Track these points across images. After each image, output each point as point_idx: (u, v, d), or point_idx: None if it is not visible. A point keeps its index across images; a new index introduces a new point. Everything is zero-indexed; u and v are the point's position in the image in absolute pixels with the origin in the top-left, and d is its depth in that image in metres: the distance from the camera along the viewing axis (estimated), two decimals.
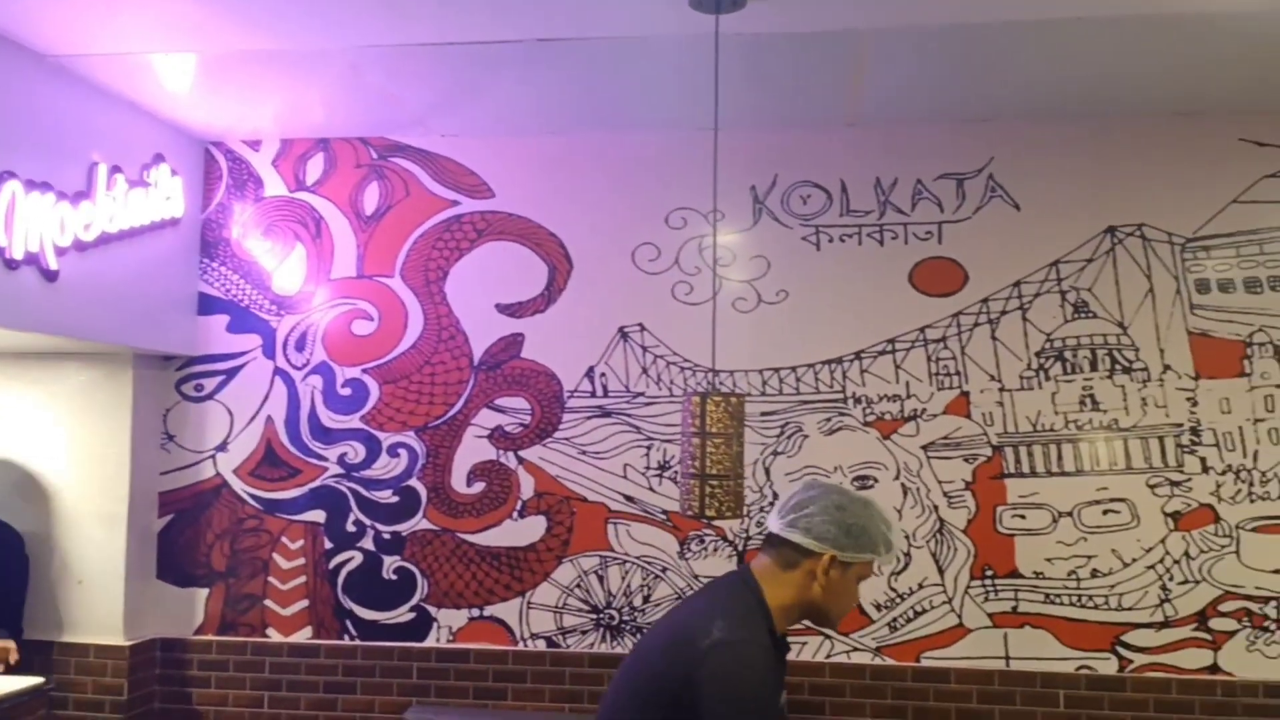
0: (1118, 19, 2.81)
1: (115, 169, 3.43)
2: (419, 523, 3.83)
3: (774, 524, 2.32)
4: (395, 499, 3.85)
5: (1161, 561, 3.51)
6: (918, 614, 3.61)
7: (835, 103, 3.53)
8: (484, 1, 2.76)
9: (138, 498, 3.83)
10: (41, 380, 3.82)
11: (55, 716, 3.72)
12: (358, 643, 3.83)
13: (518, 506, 3.80)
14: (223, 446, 3.94)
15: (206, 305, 3.98)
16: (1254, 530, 3.48)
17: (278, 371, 3.93)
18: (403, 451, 3.85)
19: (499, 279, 3.85)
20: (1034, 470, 3.59)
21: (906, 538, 3.62)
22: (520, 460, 3.81)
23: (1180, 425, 3.53)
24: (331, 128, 3.89)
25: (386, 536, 3.84)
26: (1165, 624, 3.50)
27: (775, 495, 3.64)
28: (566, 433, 3.79)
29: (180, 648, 3.90)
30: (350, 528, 3.86)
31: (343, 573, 3.85)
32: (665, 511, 3.73)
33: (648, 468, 3.75)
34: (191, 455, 3.95)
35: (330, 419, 3.89)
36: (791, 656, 3.57)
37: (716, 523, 3.67)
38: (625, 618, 3.74)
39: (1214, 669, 3.47)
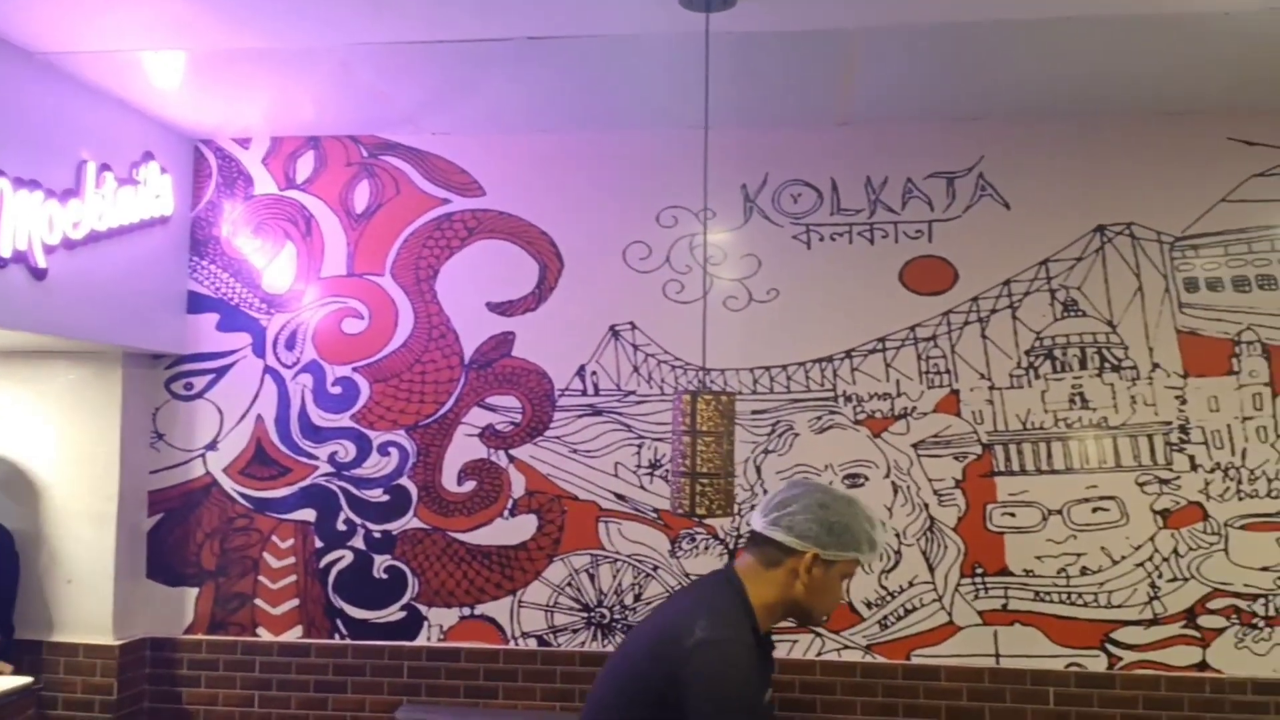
0: (1107, 18, 2.82)
1: (104, 167, 3.42)
2: (410, 521, 3.82)
3: (757, 522, 2.32)
4: (386, 498, 3.84)
5: (1150, 559, 3.53)
6: (908, 612, 3.62)
7: (826, 101, 3.53)
8: None
9: (127, 496, 3.82)
10: (30, 379, 3.80)
11: (44, 716, 3.71)
12: (348, 642, 3.82)
13: (509, 505, 3.79)
14: (212, 445, 3.93)
15: (196, 304, 3.97)
16: (1242, 528, 3.50)
17: (268, 370, 3.92)
18: (393, 450, 3.84)
19: (490, 277, 3.85)
20: (1024, 468, 3.60)
21: (897, 535, 3.63)
22: (511, 459, 3.80)
23: (1169, 423, 3.55)
24: (322, 126, 3.88)
25: (377, 535, 3.84)
26: (1154, 621, 3.51)
27: (766, 493, 3.64)
28: (557, 431, 3.79)
29: (170, 647, 3.89)
30: (341, 526, 3.85)
31: (333, 572, 3.85)
32: (656, 510, 3.73)
33: (639, 466, 3.76)
34: (181, 454, 3.94)
35: (320, 418, 3.89)
36: (783, 654, 3.61)
37: (707, 521, 3.67)
38: (616, 616, 3.74)
39: (1203, 666, 3.48)
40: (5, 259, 2.99)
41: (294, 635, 3.85)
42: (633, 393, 3.77)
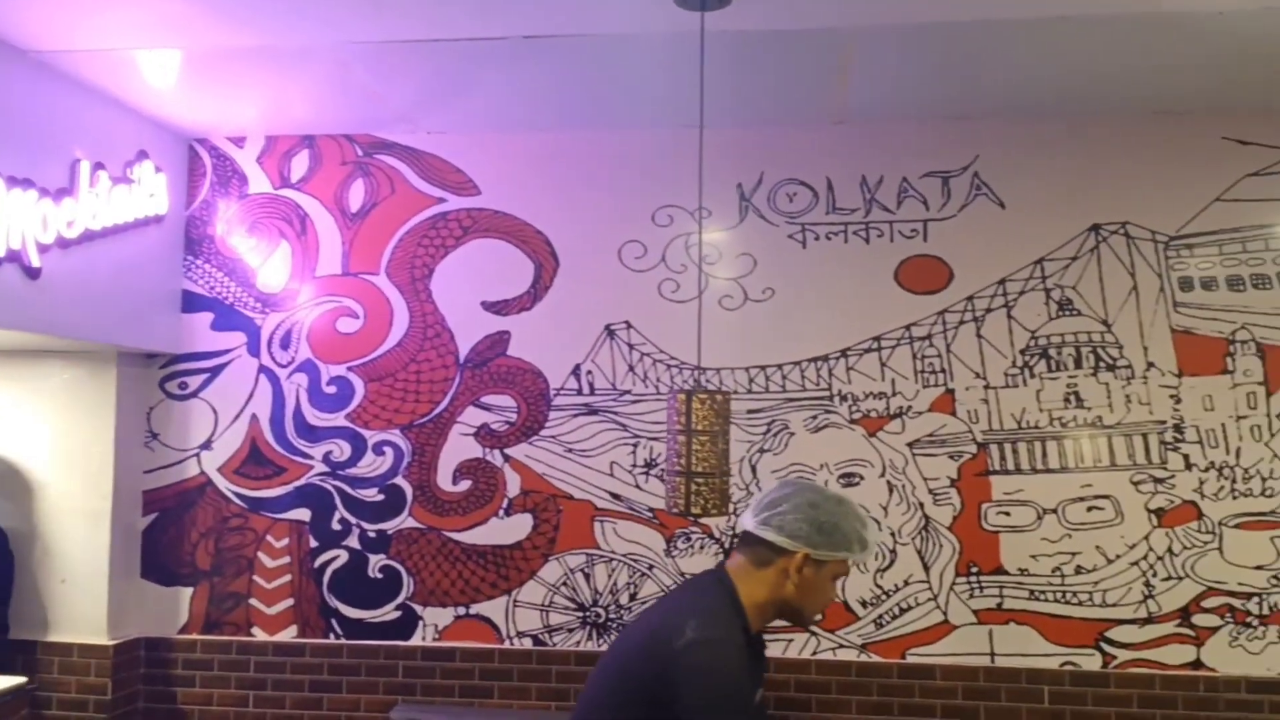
0: (1102, 18, 2.82)
1: (98, 166, 3.41)
2: (405, 521, 3.82)
3: (748, 522, 2.32)
4: (381, 497, 3.84)
5: (1145, 558, 3.53)
6: (903, 611, 3.62)
7: (821, 101, 3.53)
8: None
9: (121, 496, 3.81)
10: (24, 378, 3.79)
11: (38, 716, 3.70)
12: (343, 641, 3.82)
13: (504, 504, 3.79)
14: (207, 445, 3.92)
15: (190, 303, 3.96)
16: (1236, 527, 3.51)
17: (262, 369, 3.91)
18: (388, 449, 3.84)
19: (485, 276, 3.85)
20: (1019, 467, 3.60)
21: (892, 534, 3.63)
22: (506, 458, 3.80)
23: (1163, 422, 3.55)
24: (317, 124, 3.87)
25: (372, 535, 3.83)
26: (1149, 620, 3.52)
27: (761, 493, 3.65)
28: (553, 431, 3.79)
29: (164, 647, 3.88)
30: (335, 526, 3.85)
31: (328, 571, 3.84)
32: (652, 509, 3.73)
33: (634, 465, 3.75)
34: (175, 453, 3.93)
35: (315, 417, 3.88)
36: (778, 653, 3.62)
37: (703, 520, 3.67)
38: (611, 615, 3.73)
39: (1197, 665, 3.49)
40: None
41: (289, 635, 3.84)
42: (628, 392, 3.77)
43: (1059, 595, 3.56)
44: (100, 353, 3.76)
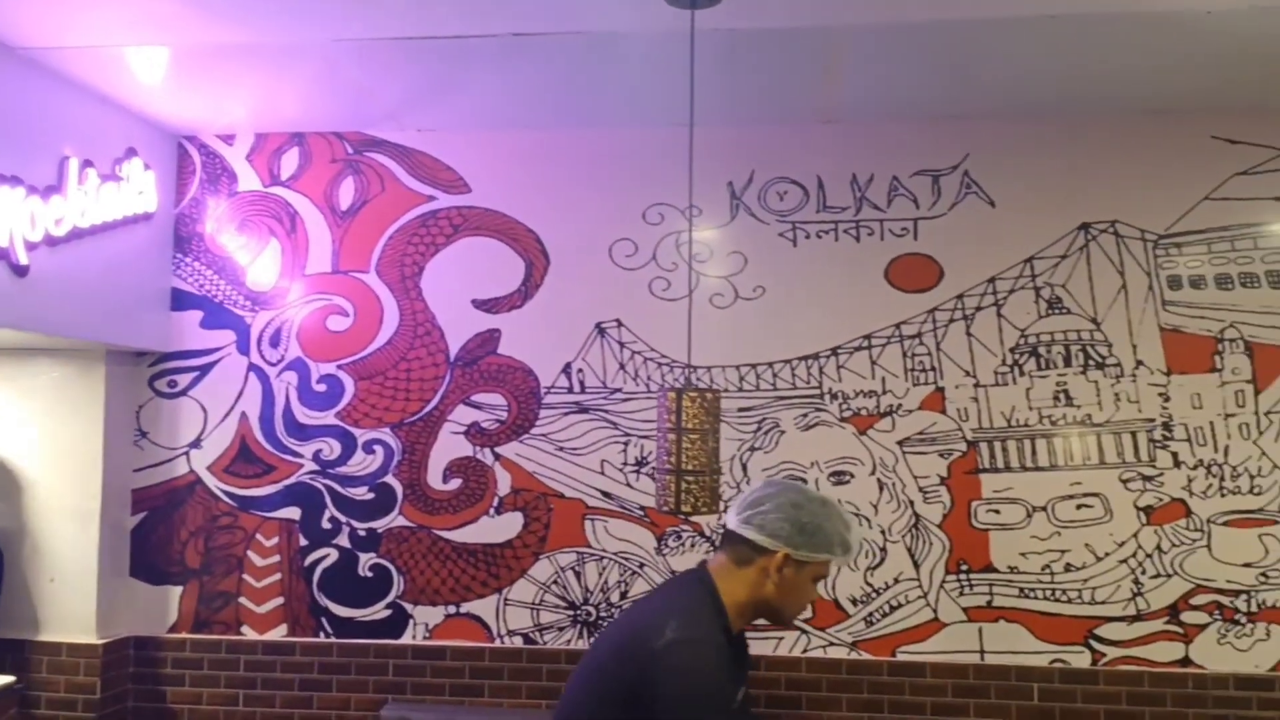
0: (1091, 17, 2.83)
1: (87, 163, 3.40)
2: (395, 519, 3.81)
3: (730, 520, 2.32)
4: (371, 496, 3.83)
5: (1134, 555, 3.54)
6: (893, 608, 3.63)
7: (812, 99, 3.54)
8: None
9: (110, 495, 3.80)
10: (12, 376, 3.78)
11: (27, 715, 3.69)
12: (333, 640, 3.81)
13: (494, 503, 3.79)
14: (196, 443, 3.91)
15: (180, 301, 3.95)
16: (1225, 524, 3.52)
17: (252, 368, 3.90)
18: (378, 448, 3.83)
19: (475, 274, 3.84)
20: (1008, 465, 3.61)
21: (882, 532, 3.64)
22: (497, 457, 3.80)
23: (1152, 420, 3.57)
24: (306, 122, 3.86)
25: (362, 533, 3.83)
26: (1137, 617, 3.53)
27: None
28: (543, 429, 3.79)
29: (154, 646, 3.87)
30: (325, 524, 3.84)
31: (318, 570, 3.84)
32: (643, 507, 3.73)
33: (625, 464, 3.75)
34: (165, 452, 3.92)
35: (305, 415, 3.87)
36: (768, 651, 3.62)
37: (693, 518, 3.68)
38: (602, 614, 3.73)
39: (1185, 662, 3.50)
40: None
41: (279, 634, 3.83)
42: (619, 390, 3.77)
43: (1048, 593, 3.57)
44: (89, 351, 3.75)
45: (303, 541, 3.85)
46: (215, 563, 3.88)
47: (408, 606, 3.80)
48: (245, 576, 3.86)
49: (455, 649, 3.76)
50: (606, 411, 3.77)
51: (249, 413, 3.89)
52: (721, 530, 3.63)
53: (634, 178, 3.80)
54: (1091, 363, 3.59)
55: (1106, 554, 3.55)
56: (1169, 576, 3.53)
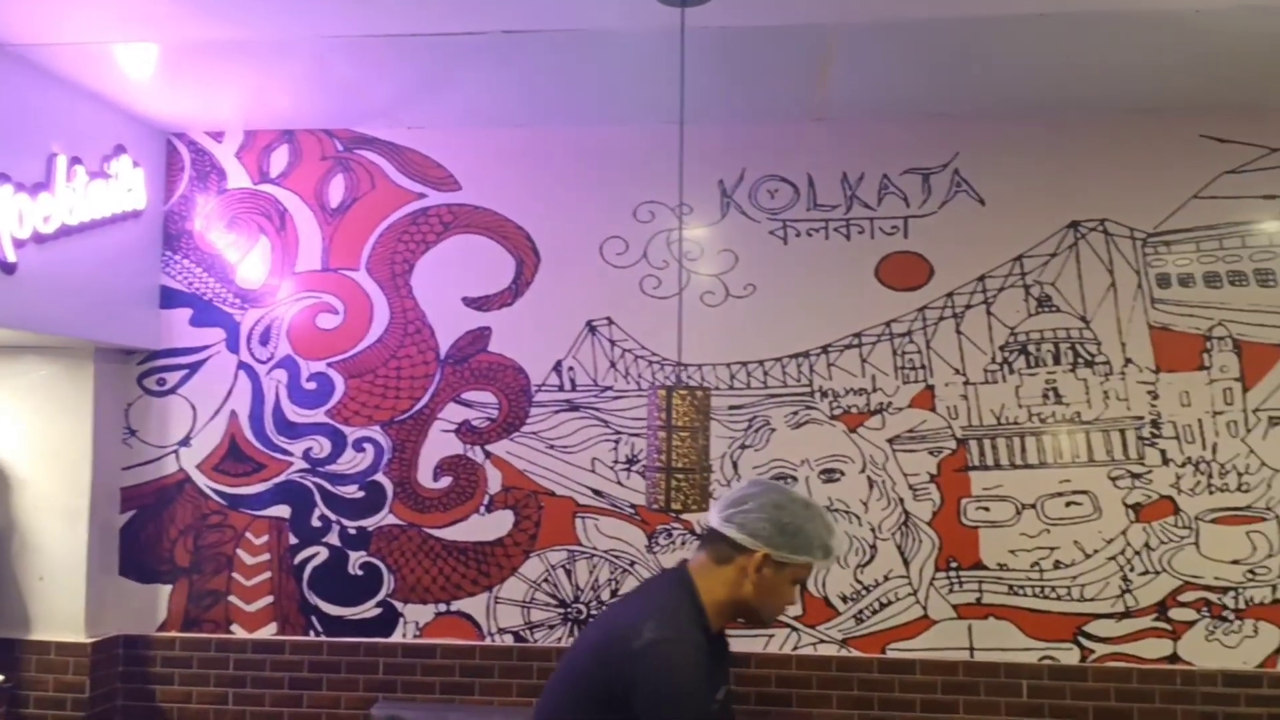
0: (1080, 15, 2.84)
1: (75, 160, 3.39)
2: (385, 518, 3.81)
3: (712, 518, 2.32)
4: (361, 494, 3.83)
5: (1123, 553, 3.56)
6: (883, 606, 3.64)
7: (802, 97, 3.54)
8: None
9: (99, 493, 3.79)
10: (0, 375, 3.76)
11: (16, 715, 3.67)
12: (323, 638, 3.80)
13: (485, 501, 3.79)
14: (185, 441, 3.90)
15: (169, 298, 3.94)
16: (1213, 521, 3.53)
17: (241, 365, 3.89)
18: (368, 446, 3.83)
19: (466, 272, 3.84)
20: (998, 463, 3.62)
21: (872, 530, 3.65)
22: (487, 455, 3.80)
23: (1141, 418, 3.58)
24: (296, 119, 3.85)
25: (352, 532, 3.82)
26: (1126, 614, 3.55)
27: None
28: (534, 427, 3.78)
29: (143, 644, 3.86)
30: (315, 523, 3.83)
31: (308, 568, 3.83)
32: (633, 505, 3.73)
33: (616, 462, 3.75)
34: (154, 450, 3.91)
35: (295, 413, 3.86)
36: (759, 648, 3.63)
37: (684, 516, 3.68)
38: (593, 612, 3.73)
39: (1174, 658, 3.52)
40: None
41: (268, 632, 3.83)
42: (610, 388, 3.77)
43: (1037, 590, 3.58)
44: (77, 349, 3.73)
45: (292, 540, 3.84)
46: (205, 561, 3.87)
47: (398, 605, 3.79)
48: (235, 575, 3.85)
49: (446, 647, 3.75)
50: (597, 409, 3.77)
51: (238, 411, 3.88)
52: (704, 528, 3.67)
53: (625, 175, 3.79)
54: (1081, 361, 3.61)
55: (1095, 551, 3.57)
56: (1157, 573, 3.54)
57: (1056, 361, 3.61)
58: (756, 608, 2.31)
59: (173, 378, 3.92)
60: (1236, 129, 3.58)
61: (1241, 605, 3.51)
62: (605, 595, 3.73)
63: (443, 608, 3.78)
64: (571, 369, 3.78)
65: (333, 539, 3.82)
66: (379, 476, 3.82)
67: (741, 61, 3.22)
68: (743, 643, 3.59)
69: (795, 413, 3.70)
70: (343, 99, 3.61)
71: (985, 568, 3.61)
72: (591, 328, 3.78)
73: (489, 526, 3.78)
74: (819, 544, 2.25)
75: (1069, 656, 3.55)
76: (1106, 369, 3.59)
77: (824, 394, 3.69)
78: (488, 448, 3.80)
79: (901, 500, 3.65)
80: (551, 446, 3.78)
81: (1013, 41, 3.06)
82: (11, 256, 3.08)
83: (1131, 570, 3.55)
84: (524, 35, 3.01)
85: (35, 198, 3.19)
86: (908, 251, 3.71)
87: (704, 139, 3.62)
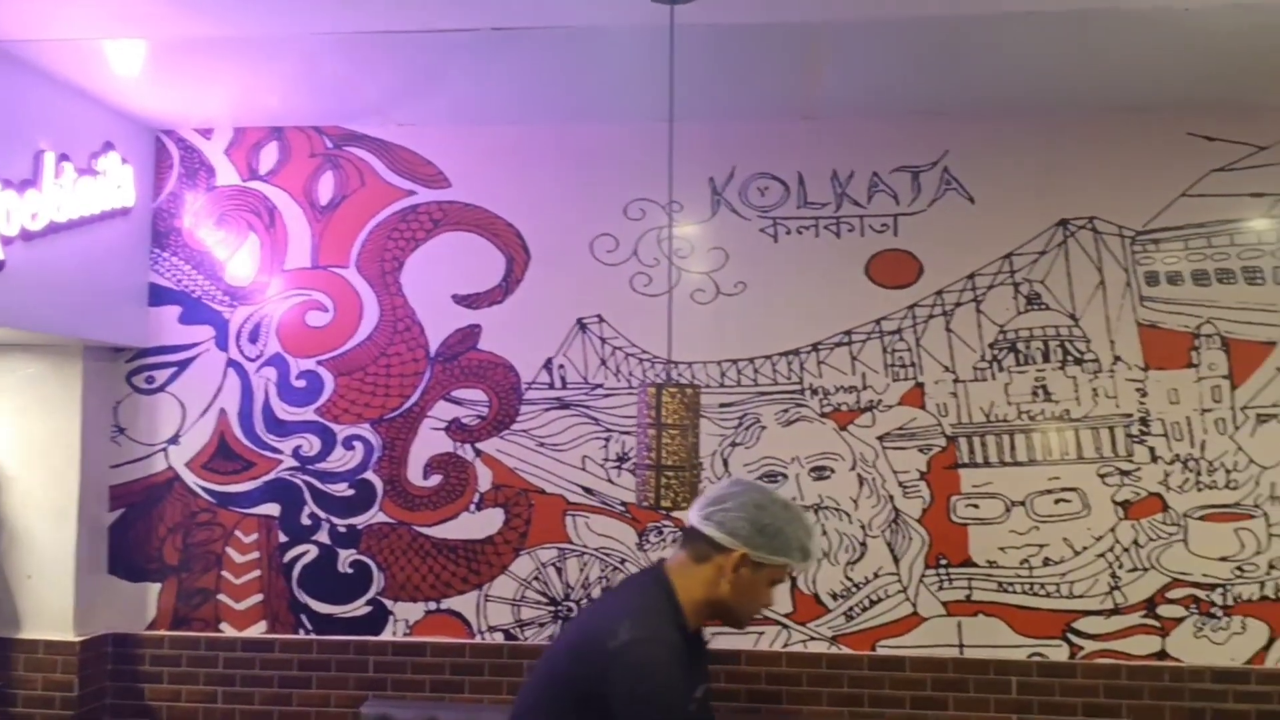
0: (1070, 14, 2.84)
1: (63, 157, 3.37)
2: (375, 516, 3.80)
3: (692, 516, 2.31)
4: (351, 492, 3.82)
5: (1111, 550, 3.57)
6: (873, 603, 3.64)
7: (792, 95, 3.54)
8: None
9: (88, 491, 3.78)
10: None
11: (4, 713, 3.66)
12: (313, 637, 3.80)
13: (475, 499, 3.78)
14: (174, 439, 3.89)
15: (158, 296, 3.92)
16: (1201, 519, 3.55)
17: (231, 363, 3.88)
18: (358, 444, 3.82)
19: (456, 270, 3.83)
20: (987, 460, 3.63)
21: (862, 527, 3.65)
22: (478, 452, 3.79)
23: (1130, 415, 3.59)
24: (285, 116, 3.84)
25: (342, 530, 3.81)
26: (1115, 611, 3.56)
27: None
28: (524, 425, 3.78)
29: (132, 643, 3.85)
30: (305, 521, 3.82)
31: (298, 566, 3.82)
32: (624, 503, 3.73)
33: (606, 459, 3.75)
34: (143, 448, 3.90)
35: (284, 411, 3.85)
36: (749, 646, 3.63)
37: (674, 514, 3.68)
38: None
39: (1162, 655, 3.53)
40: None
41: (258, 630, 3.82)
42: (600, 386, 3.77)
43: (1027, 587, 3.59)
44: (66, 346, 3.72)
45: (282, 538, 3.83)
46: (194, 559, 3.86)
47: (388, 603, 3.79)
48: (224, 573, 3.84)
49: (436, 645, 3.75)
50: (587, 407, 3.77)
51: (228, 408, 3.87)
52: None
53: (615, 173, 3.79)
54: (1070, 358, 3.62)
55: (1084, 548, 3.58)
56: (1146, 570, 3.55)
57: (1046, 359, 3.62)
58: (733, 607, 2.30)
59: (161, 375, 3.91)
60: (1225, 127, 3.60)
61: (1230, 602, 3.52)
62: (596, 593, 3.73)
63: (433, 606, 3.77)
64: (562, 367, 3.78)
65: (322, 537, 3.82)
66: (369, 474, 3.81)
67: (731, 59, 3.22)
68: (733, 640, 3.59)
69: (785, 410, 3.70)
70: (332, 96, 3.61)
71: (975, 565, 3.61)
72: (582, 325, 3.78)
73: (479, 524, 3.78)
74: (797, 546, 2.24)
75: (1058, 653, 3.56)
76: (1095, 367, 3.60)
77: (814, 391, 3.70)
78: (478, 445, 3.79)
79: (891, 497, 3.66)
80: (542, 444, 3.78)
81: (1002, 40, 3.06)
82: None
83: (1120, 567, 3.56)
84: (514, 32, 3.00)
85: (23, 195, 3.18)
86: (897, 249, 3.71)
87: (694, 137, 3.62)
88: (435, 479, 3.80)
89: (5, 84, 3.18)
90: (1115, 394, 3.60)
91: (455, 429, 3.80)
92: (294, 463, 3.84)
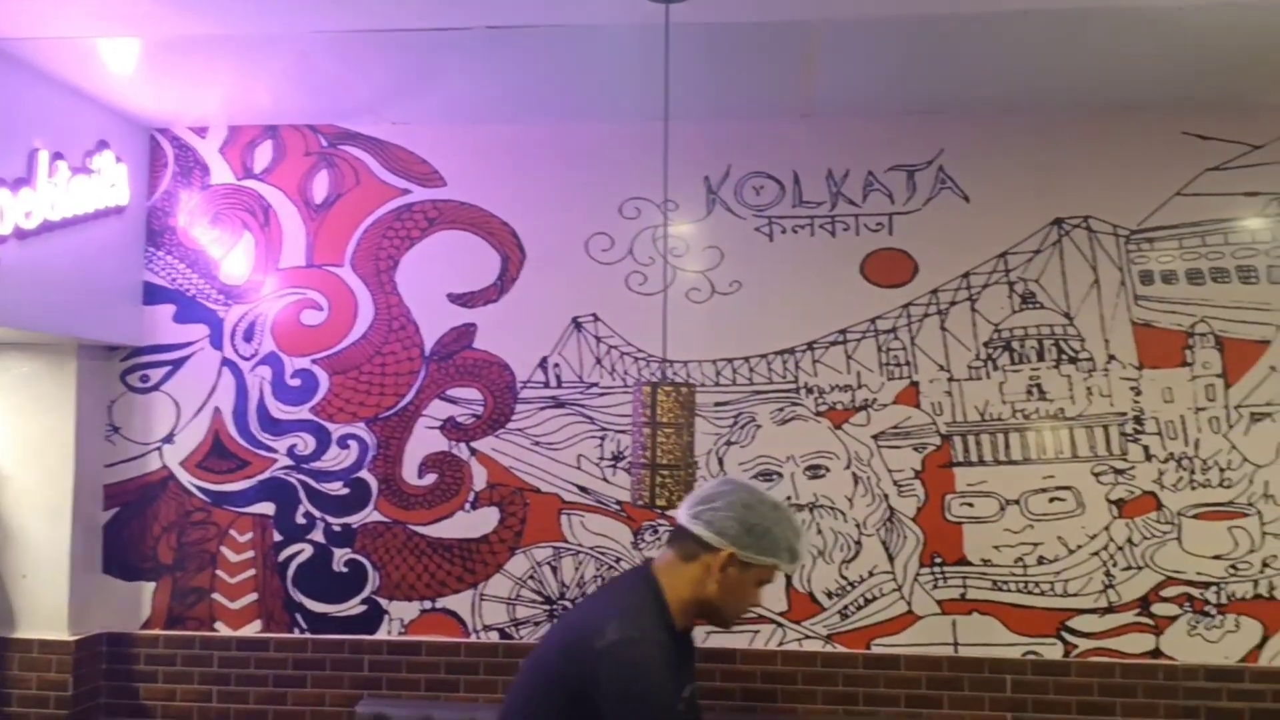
0: (1064, 12, 2.84)
1: (57, 155, 3.36)
2: (370, 515, 3.80)
3: (681, 514, 2.31)
4: (346, 491, 3.82)
5: (1105, 548, 3.57)
6: (868, 601, 3.65)
7: (788, 94, 3.54)
8: None
9: (82, 490, 3.77)
10: None
11: None
12: (308, 636, 3.79)
13: (470, 498, 3.78)
14: (169, 438, 3.88)
15: (152, 295, 3.92)
16: (1195, 517, 3.55)
17: (225, 362, 3.88)
18: (353, 443, 3.82)
19: (451, 268, 3.83)
20: (982, 459, 3.63)
21: (857, 526, 3.66)
22: (473, 451, 3.79)
23: (1124, 414, 3.59)
24: (280, 115, 3.84)
25: (337, 529, 3.81)
26: (1109, 609, 3.56)
27: None
28: (519, 423, 3.78)
29: (127, 642, 3.84)
30: (300, 520, 3.82)
31: (292, 565, 3.82)
32: (619, 502, 3.73)
33: (601, 458, 3.75)
34: (137, 447, 3.89)
35: (279, 410, 3.85)
36: (744, 644, 3.63)
37: (669, 513, 3.68)
38: None
39: (1156, 653, 3.54)
40: None
41: (253, 630, 3.81)
42: (595, 384, 3.77)
43: (1021, 585, 3.59)
44: (60, 345, 3.71)
45: (277, 537, 3.83)
46: (188, 558, 3.85)
47: (383, 602, 3.78)
48: (219, 572, 3.84)
49: (431, 644, 3.75)
50: (583, 406, 3.77)
51: (222, 407, 3.87)
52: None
53: (610, 172, 3.79)
54: (1064, 357, 3.62)
55: (1078, 547, 3.58)
56: (1140, 569, 3.56)
57: (1040, 358, 3.63)
58: (719, 607, 2.29)
59: (156, 374, 3.90)
60: (1219, 126, 3.60)
61: (1223, 600, 3.53)
62: (591, 591, 3.73)
63: (428, 605, 3.77)
64: (557, 365, 3.78)
65: (317, 536, 3.81)
66: (363, 473, 3.81)
67: (727, 58, 3.22)
68: (728, 639, 3.60)
69: (781, 409, 3.71)
70: (327, 94, 3.60)
71: (969, 563, 3.62)
72: (577, 324, 3.78)
73: (474, 523, 3.77)
74: (785, 547, 2.24)
75: (1052, 651, 3.57)
76: (1090, 365, 3.61)
77: (809, 390, 3.70)
78: (473, 444, 3.79)
79: (886, 496, 3.66)
80: (537, 443, 3.78)
81: (997, 38, 3.06)
82: None
83: (1114, 565, 3.57)
84: (508, 31, 3.00)
85: (17, 193, 3.17)
86: (893, 248, 3.71)
87: (689, 135, 3.62)
88: (430, 478, 3.80)
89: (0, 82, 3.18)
90: (1109, 393, 3.60)
91: (450, 428, 3.80)
92: (289, 462, 3.83)
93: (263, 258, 3.89)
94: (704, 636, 3.56)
